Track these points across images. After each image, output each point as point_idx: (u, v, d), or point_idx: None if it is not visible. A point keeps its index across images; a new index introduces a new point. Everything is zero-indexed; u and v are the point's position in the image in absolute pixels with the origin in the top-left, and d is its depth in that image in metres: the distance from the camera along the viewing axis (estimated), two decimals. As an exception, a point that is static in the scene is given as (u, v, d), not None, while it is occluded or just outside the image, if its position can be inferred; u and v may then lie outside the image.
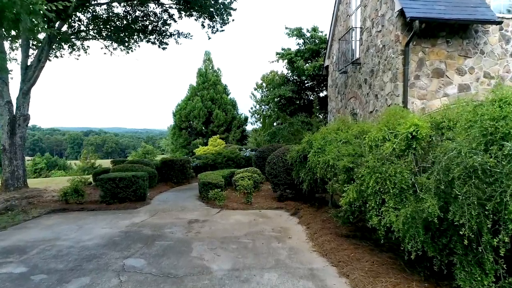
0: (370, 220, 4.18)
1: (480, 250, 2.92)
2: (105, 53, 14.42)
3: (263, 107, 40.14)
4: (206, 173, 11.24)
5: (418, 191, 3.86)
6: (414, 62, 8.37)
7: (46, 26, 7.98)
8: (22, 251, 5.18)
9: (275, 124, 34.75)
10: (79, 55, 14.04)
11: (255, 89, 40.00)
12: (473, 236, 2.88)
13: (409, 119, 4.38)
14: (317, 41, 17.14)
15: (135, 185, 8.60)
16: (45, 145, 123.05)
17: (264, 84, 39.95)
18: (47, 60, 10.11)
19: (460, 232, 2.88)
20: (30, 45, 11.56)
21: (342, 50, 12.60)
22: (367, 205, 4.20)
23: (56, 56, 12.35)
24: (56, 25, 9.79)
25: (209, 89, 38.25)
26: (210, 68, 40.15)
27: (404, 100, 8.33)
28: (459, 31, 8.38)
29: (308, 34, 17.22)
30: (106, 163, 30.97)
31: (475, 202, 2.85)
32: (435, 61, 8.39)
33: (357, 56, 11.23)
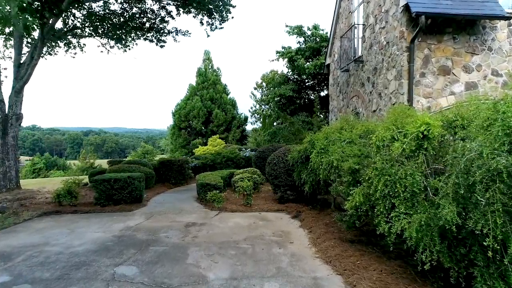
0: (378, 226, 3.88)
1: (505, 262, 2.63)
2: (101, 51, 14.12)
3: (263, 106, 39.88)
4: (205, 174, 10.94)
5: (431, 195, 3.57)
6: (420, 59, 8.07)
7: (37, 21, 7.71)
8: (8, 258, 4.88)
9: (275, 124, 34.52)
10: (75, 53, 13.74)
11: (255, 89, 39.76)
12: (497, 247, 2.58)
13: (420, 118, 4.09)
14: (318, 39, 16.82)
15: (130, 187, 8.30)
16: (45, 145, 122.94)
17: (264, 84, 39.74)
18: (40, 58, 9.80)
19: (484, 243, 2.59)
20: (25, 43, 11.28)
21: (344, 48, 12.31)
22: (375, 209, 3.90)
23: (50, 54, 12.05)
24: (50, 21, 9.48)
25: (208, 88, 37.98)
26: (210, 67, 39.88)
27: (409, 98, 8.04)
28: (466, 27, 8.09)
29: (309, 32, 16.92)
30: (105, 163, 30.68)
31: (500, 209, 2.56)
32: (441, 58, 8.10)
33: (360, 53, 10.94)
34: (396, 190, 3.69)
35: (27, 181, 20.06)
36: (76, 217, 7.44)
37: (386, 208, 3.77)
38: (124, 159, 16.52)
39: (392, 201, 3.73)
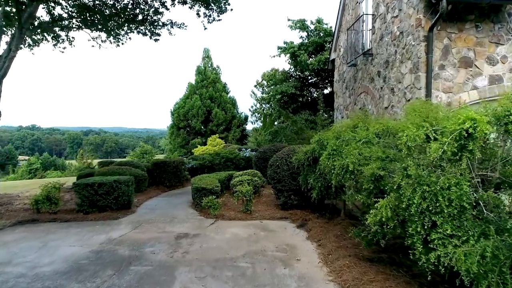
0: (413, 249, 3.05)
1: None
2: (93, 46, 13.30)
3: (263, 105, 39.10)
4: (201, 176, 10.10)
5: (485, 212, 2.74)
6: (439, 49, 7.24)
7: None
8: (-43, 282, 4.06)
9: (276, 123, 33.69)
10: (64, 48, 12.92)
11: (256, 87, 38.91)
12: None
13: (462, 112, 3.26)
14: (321, 34, 15.97)
15: (117, 192, 7.46)
16: (45, 144, 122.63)
17: (264, 82, 38.96)
18: (19, 49, 8.96)
19: None
20: (11, 36, 10.45)
21: (350, 41, 11.48)
22: (410, 228, 3.06)
23: (31, 46, 11.22)
24: (29, 9, 8.65)
25: (208, 87, 37.19)
26: (209, 65, 39.09)
27: (427, 93, 7.20)
28: (490, 14, 7.25)
29: (312, 27, 16.07)
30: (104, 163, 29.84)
31: None
32: (463, 49, 7.26)
33: (369, 46, 10.10)
34: (438, 204, 2.85)
35: (21, 182, 19.24)
36: (54, 227, 6.60)
37: (425, 227, 2.93)
38: (115, 160, 15.65)
39: (433, 218, 2.89)
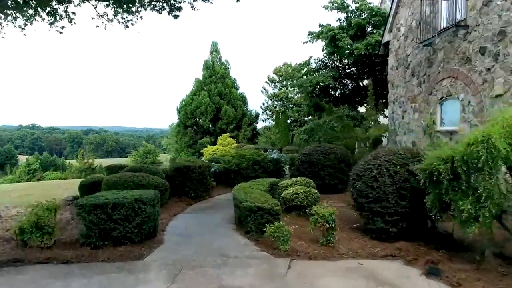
0: None
1: None
2: (97, 26, 10.93)
3: (275, 102, 36.77)
4: (241, 186, 7.67)
5: None
6: None
7: None
8: None
9: (288, 121, 31.33)
10: (62, 27, 10.56)
11: (267, 83, 36.57)
12: None
13: None
14: (363, 15, 13.55)
15: (140, 216, 5.05)
16: (45, 144, 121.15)
17: (276, 78, 36.61)
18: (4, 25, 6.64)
19: None
20: None
21: (423, 16, 9.08)
22: None
23: (15, 17, 8.89)
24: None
25: (216, 83, 34.81)
26: (218, 60, 36.72)
27: None
28: None
29: (354, 6, 13.63)
30: (105, 162, 27.67)
31: None
32: None
33: (462, 16, 7.71)
34: None
35: (13, 186, 16.80)
36: (45, 275, 4.20)
37: None
38: (124, 164, 13.20)
39: None
